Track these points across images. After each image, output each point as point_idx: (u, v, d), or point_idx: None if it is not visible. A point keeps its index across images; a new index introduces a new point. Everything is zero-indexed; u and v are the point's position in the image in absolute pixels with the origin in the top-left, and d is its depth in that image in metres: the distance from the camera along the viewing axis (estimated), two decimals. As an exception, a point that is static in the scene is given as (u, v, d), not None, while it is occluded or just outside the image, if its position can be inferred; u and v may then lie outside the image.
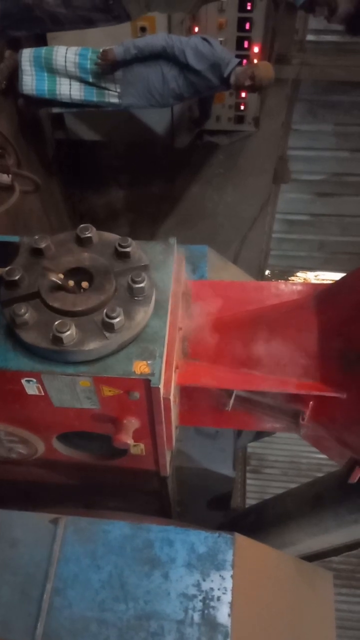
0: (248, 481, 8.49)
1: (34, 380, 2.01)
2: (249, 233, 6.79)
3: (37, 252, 2.14)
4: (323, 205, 6.78)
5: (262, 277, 7.41)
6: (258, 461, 8.72)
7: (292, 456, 8.56)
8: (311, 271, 7.55)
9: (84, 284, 2.08)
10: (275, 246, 7.32)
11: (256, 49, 4.91)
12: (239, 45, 4.91)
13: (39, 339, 1.93)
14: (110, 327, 1.92)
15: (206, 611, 2.11)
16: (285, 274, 7.65)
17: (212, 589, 2.14)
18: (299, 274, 7.66)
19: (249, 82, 4.26)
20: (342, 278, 2.28)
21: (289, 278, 7.69)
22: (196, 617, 2.10)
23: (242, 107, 5.45)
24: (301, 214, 6.94)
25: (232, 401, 2.21)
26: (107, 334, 1.93)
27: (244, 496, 8.26)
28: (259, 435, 4.01)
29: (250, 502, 7.74)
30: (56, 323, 1.89)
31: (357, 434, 2.08)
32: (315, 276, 7.54)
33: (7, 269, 2.05)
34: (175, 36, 4.24)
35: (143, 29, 4.74)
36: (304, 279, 7.62)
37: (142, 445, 2.35)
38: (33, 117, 5.16)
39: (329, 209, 6.81)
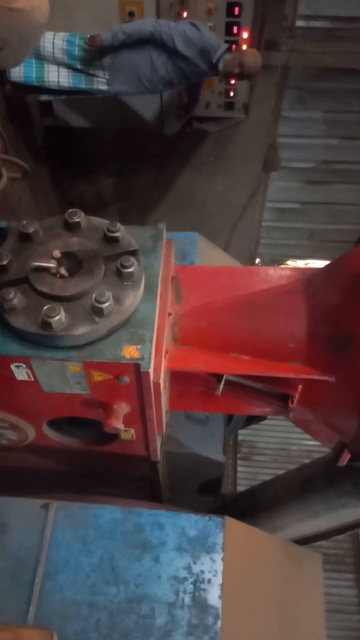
0: (239, 468, 8.54)
1: (23, 365, 2.01)
2: (239, 221, 6.78)
3: (25, 237, 2.12)
4: (312, 193, 6.77)
5: (252, 265, 7.40)
6: (249, 448, 8.77)
7: (283, 443, 8.62)
8: (301, 259, 7.57)
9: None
10: (265, 235, 7.32)
11: (245, 35, 4.87)
12: (228, 30, 4.85)
13: (28, 324, 1.92)
14: (99, 312, 1.92)
15: (197, 593, 2.13)
16: (275, 262, 7.66)
17: (202, 571, 2.16)
18: (289, 262, 7.69)
19: (238, 69, 4.24)
20: (330, 263, 2.29)
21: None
22: (187, 599, 2.12)
23: (231, 94, 5.41)
24: (291, 202, 6.94)
25: (221, 386, 2.22)
26: (97, 319, 1.93)
27: (235, 483, 8.32)
28: (249, 421, 4.03)
29: (241, 489, 7.78)
30: (45, 308, 1.89)
31: (345, 416, 2.10)
32: (305, 264, 7.56)
33: None
34: (163, 21, 4.21)
35: (131, 14, 4.70)
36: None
37: (132, 431, 2.36)
38: (21, 104, 5.10)
39: (318, 196, 6.81)
